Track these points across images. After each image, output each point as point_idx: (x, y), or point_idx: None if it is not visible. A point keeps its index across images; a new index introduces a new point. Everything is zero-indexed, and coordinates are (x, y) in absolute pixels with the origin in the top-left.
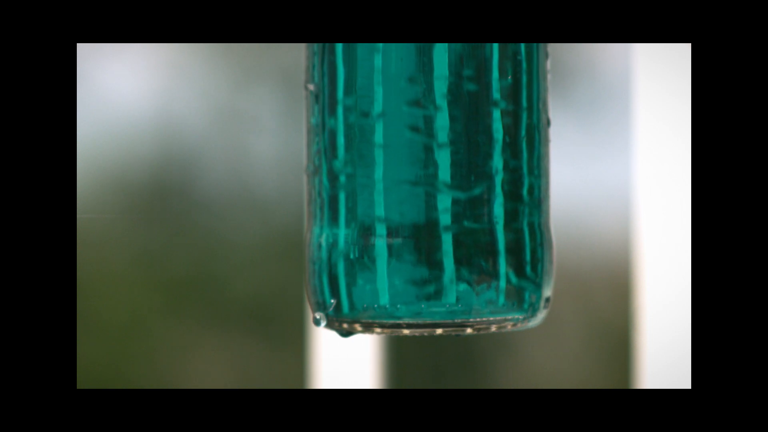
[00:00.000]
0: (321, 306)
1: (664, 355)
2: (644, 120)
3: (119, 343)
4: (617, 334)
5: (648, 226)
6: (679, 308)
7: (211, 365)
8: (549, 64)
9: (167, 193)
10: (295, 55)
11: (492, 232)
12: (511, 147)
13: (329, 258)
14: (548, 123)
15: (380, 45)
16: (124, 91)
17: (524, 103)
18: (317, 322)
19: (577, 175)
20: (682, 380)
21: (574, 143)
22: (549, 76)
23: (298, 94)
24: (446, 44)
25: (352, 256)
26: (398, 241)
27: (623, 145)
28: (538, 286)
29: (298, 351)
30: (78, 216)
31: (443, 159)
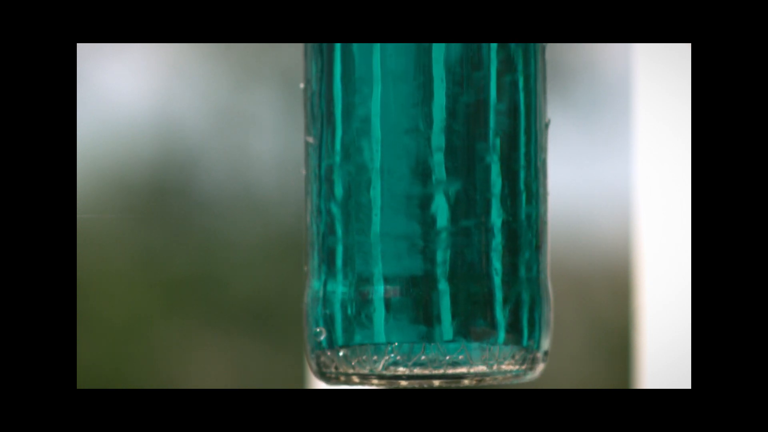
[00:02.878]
0: (320, 364)
1: (664, 355)
2: (644, 120)
3: (119, 343)
4: (617, 334)
5: (648, 226)
6: (679, 308)
7: (211, 365)
8: (547, 115)
9: (167, 193)
10: (295, 55)
11: (490, 286)
12: (510, 200)
13: (326, 312)
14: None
15: (378, 94)
16: (124, 91)
17: (522, 158)
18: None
19: (577, 175)
20: (682, 380)
21: (574, 143)
22: (547, 131)
23: (298, 94)
24: (444, 94)
25: (350, 312)
26: (396, 296)
27: (623, 145)
28: (537, 340)
29: (298, 351)
30: (78, 216)
31: (441, 213)
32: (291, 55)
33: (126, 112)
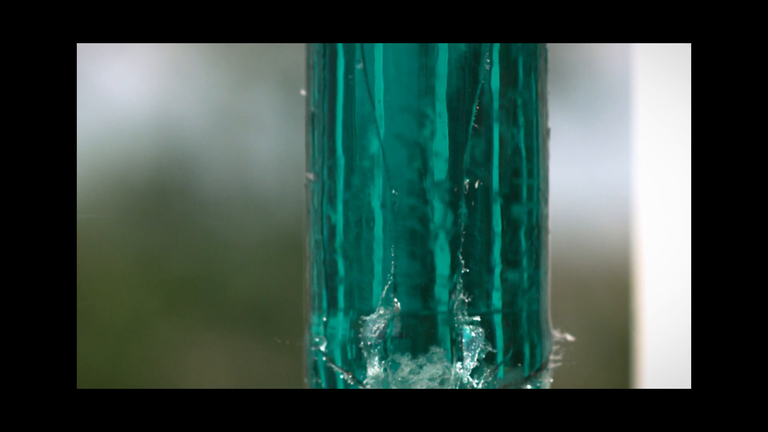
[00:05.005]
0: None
1: (664, 355)
2: (644, 120)
3: (119, 343)
4: (617, 334)
5: (648, 226)
6: (679, 308)
7: (211, 365)
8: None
9: (167, 193)
10: (295, 55)
11: (491, 324)
12: (511, 238)
13: (327, 352)
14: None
15: (381, 132)
16: (124, 91)
17: (524, 196)
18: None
19: (577, 175)
20: (682, 380)
21: (574, 143)
22: (549, 167)
23: (298, 94)
24: (447, 132)
25: (349, 357)
26: (396, 336)
27: (623, 145)
28: (536, 378)
29: (298, 351)
30: (78, 216)
31: (442, 252)
32: (291, 55)
33: (126, 112)
